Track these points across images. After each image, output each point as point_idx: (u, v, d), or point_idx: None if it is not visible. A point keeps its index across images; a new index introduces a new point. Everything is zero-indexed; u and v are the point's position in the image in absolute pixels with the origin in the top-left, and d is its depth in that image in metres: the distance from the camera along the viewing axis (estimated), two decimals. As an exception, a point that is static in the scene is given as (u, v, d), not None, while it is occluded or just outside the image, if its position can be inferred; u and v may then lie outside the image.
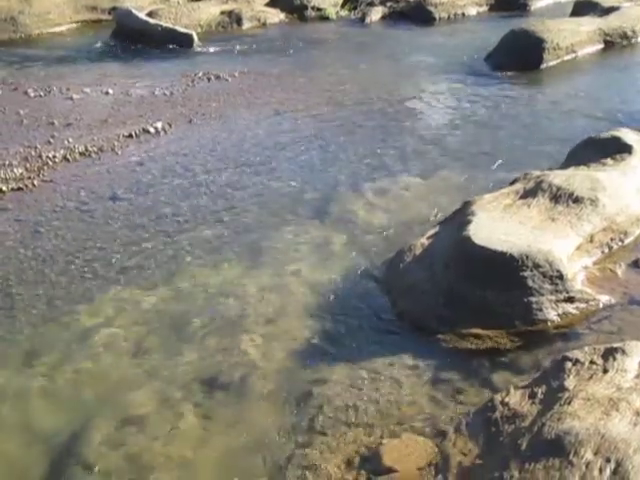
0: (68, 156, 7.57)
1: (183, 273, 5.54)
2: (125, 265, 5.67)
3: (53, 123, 8.47)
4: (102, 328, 4.96)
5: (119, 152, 7.67)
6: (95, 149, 7.72)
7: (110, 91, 9.48)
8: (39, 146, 7.79)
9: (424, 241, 5.46)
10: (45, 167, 7.32)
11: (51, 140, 7.95)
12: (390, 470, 3.63)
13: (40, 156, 7.53)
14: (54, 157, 7.52)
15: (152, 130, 8.17)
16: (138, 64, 10.82)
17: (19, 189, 6.90)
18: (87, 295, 5.31)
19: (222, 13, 13.03)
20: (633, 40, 11.41)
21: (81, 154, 7.63)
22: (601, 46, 11.13)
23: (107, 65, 10.80)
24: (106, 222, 6.32)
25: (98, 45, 11.78)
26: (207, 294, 5.28)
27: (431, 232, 5.59)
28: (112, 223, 6.30)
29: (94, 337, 4.87)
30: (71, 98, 9.30)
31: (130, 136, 8.03)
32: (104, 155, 7.62)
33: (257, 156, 7.50)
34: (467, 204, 5.58)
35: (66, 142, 7.87)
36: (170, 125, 8.31)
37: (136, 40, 11.62)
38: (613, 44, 11.22)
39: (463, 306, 4.82)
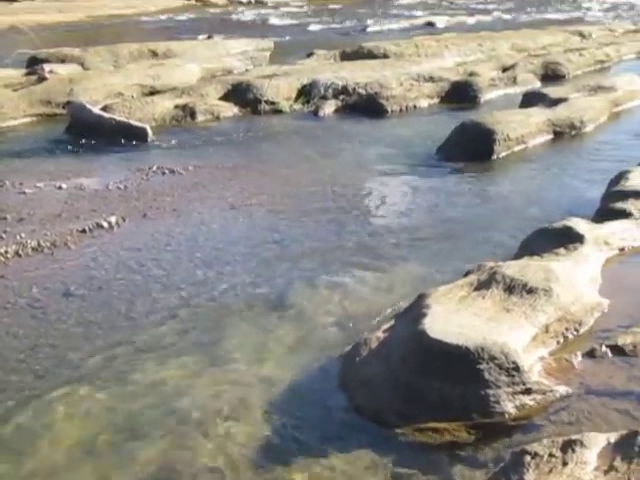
0: (20, 251, 7.49)
1: (137, 370, 5.46)
2: (78, 363, 5.58)
3: (5, 218, 8.40)
4: (53, 428, 4.84)
5: (72, 247, 7.62)
6: (48, 244, 7.66)
7: (64, 185, 9.45)
8: (-9, 241, 7.72)
9: (380, 334, 5.45)
10: (-4, 263, 7.25)
11: (3, 235, 7.87)
12: None
13: (-8, 252, 7.46)
14: (6, 252, 7.44)
15: (106, 225, 8.13)
16: (92, 158, 10.82)
17: (-31, 286, 6.81)
18: (38, 394, 5.20)
19: (176, 107, 13.11)
20: (582, 130, 11.67)
21: (34, 249, 7.55)
22: (551, 136, 11.37)
23: (61, 159, 10.78)
24: (59, 319, 6.24)
25: (52, 139, 11.76)
26: (161, 392, 5.19)
27: (387, 325, 5.59)
28: (65, 320, 6.22)
29: (44, 437, 4.76)
30: (24, 192, 9.25)
31: (84, 231, 7.98)
32: (57, 250, 7.56)
33: (212, 250, 7.49)
34: (422, 297, 5.60)
35: (18, 237, 7.80)
36: (124, 219, 8.28)
37: (90, 134, 11.62)
38: (562, 134, 11.47)
39: (420, 400, 4.80)
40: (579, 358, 5.24)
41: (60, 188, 9.40)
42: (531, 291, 5.61)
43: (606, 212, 7.73)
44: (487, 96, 14.43)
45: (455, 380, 4.78)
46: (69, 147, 11.31)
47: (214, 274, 6.97)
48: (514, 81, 15.25)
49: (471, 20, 27.16)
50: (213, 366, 5.49)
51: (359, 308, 6.28)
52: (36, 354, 5.71)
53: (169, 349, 5.75)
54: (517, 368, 4.82)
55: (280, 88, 13.94)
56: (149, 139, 11.58)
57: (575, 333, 5.59)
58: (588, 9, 32.43)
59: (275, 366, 5.47)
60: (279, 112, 13.47)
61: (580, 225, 6.98)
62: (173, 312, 6.30)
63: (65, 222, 8.25)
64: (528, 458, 3.83)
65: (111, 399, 5.14)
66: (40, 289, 6.75)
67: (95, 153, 11.00)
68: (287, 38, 22.17)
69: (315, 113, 13.40)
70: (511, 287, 5.65)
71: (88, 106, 12.13)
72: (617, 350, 5.34)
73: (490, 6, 33.84)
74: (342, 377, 5.29)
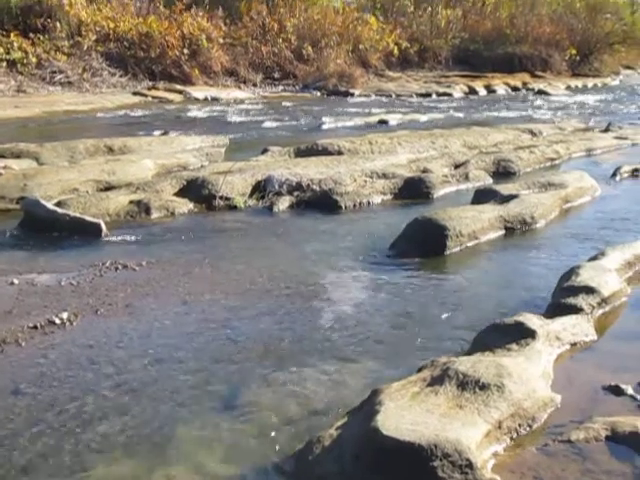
0: (-31, 349, 7.41)
1: (87, 471, 5.37)
2: (25, 464, 5.47)
3: (-45, 315, 8.30)
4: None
5: (23, 344, 7.53)
6: (-2, 341, 7.57)
7: (15, 281, 9.36)
8: (-62, 338, 7.60)
9: (333, 432, 5.43)
10: (-56, 361, 7.14)
11: (-48, 334, 7.77)
12: None
13: (-61, 349, 7.35)
14: (-45, 350, 7.35)
15: (58, 321, 8.05)
16: (45, 254, 10.74)
17: None
18: (-16, 496, 5.12)
19: (131, 202, 13.07)
20: (532, 226, 11.84)
21: (-17, 347, 7.47)
22: (502, 232, 11.51)
23: (13, 254, 10.68)
24: (7, 417, 6.13)
25: (5, 234, 11.63)
26: (111, 492, 5.13)
27: (340, 422, 5.57)
28: (14, 419, 6.11)
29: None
30: (-25, 289, 9.16)
31: (35, 327, 7.89)
32: (7, 347, 7.46)
33: (164, 347, 7.44)
34: (375, 393, 5.61)
35: (-32, 335, 7.70)
36: (76, 316, 8.21)
37: (44, 229, 11.54)
38: (514, 230, 11.61)
39: (374, 498, 4.78)
40: (533, 453, 5.28)
41: (12, 284, 9.31)
42: (484, 387, 5.64)
43: (558, 307, 7.83)
44: (440, 192, 14.60)
45: (408, 477, 4.77)
46: (22, 242, 11.23)
47: (166, 371, 6.92)
48: (466, 177, 15.46)
49: (424, 118, 27.58)
50: (163, 465, 5.41)
51: (313, 405, 6.26)
52: (-18, 455, 5.60)
53: (120, 448, 5.67)
54: (471, 465, 4.82)
55: (235, 184, 14.00)
56: (103, 235, 11.53)
57: (528, 429, 5.62)
58: (538, 107, 33.18)
59: (227, 465, 5.41)
60: (234, 208, 13.49)
61: (532, 320, 7.07)
62: (124, 410, 6.22)
63: (16, 318, 8.16)
64: None
65: (59, 501, 5.06)
66: (-12, 388, 6.65)
67: (48, 249, 10.92)
68: (242, 134, 22.36)
69: (270, 209, 13.43)
70: (464, 383, 5.68)
71: (42, 202, 12.08)
72: (570, 445, 5.38)
73: (442, 104, 34.49)
74: (295, 475, 5.24)
